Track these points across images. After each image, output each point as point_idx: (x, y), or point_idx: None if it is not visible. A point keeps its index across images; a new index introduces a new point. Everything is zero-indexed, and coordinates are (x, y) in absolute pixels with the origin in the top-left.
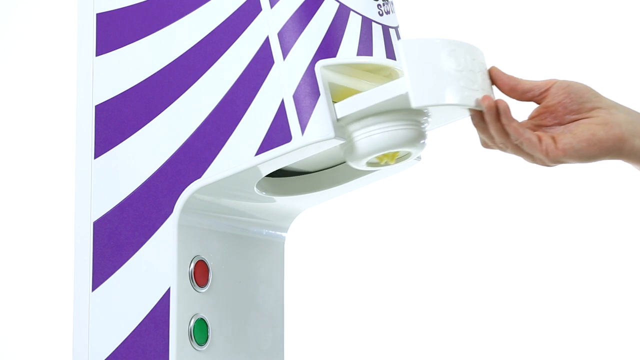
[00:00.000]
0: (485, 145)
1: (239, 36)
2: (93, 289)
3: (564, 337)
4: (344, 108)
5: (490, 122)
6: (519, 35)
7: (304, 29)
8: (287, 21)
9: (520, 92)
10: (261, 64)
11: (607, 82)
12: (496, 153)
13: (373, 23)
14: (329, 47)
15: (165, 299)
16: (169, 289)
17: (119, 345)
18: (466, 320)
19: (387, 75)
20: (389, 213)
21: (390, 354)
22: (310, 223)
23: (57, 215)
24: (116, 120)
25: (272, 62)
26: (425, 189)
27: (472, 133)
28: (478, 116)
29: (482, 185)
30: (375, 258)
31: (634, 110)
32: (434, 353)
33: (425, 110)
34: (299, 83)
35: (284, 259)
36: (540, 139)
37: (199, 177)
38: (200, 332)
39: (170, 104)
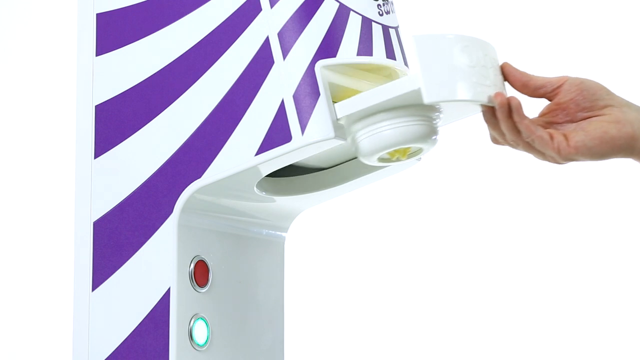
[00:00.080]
0: (495, 141)
1: (239, 36)
2: (93, 289)
3: (564, 337)
4: (344, 108)
5: (502, 119)
6: (518, 36)
7: (304, 29)
8: (287, 21)
9: (532, 88)
10: (261, 64)
11: (617, 80)
12: (496, 153)
13: (373, 23)
14: (329, 47)
15: (165, 299)
16: (169, 289)
17: (119, 345)
18: (466, 320)
19: (387, 75)
20: (389, 213)
21: (390, 354)
22: (310, 223)
23: (57, 215)
24: (116, 120)
25: (272, 62)
26: (425, 189)
27: (471, 133)
28: (490, 112)
29: (482, 185)
30: (375, 258)
31: None
32: (434, 353)
33: (437, 106)
34: (299, 83)
35: (284, 259)
36: (552, 137)
37: (199, 177)
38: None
39: (170, 104)
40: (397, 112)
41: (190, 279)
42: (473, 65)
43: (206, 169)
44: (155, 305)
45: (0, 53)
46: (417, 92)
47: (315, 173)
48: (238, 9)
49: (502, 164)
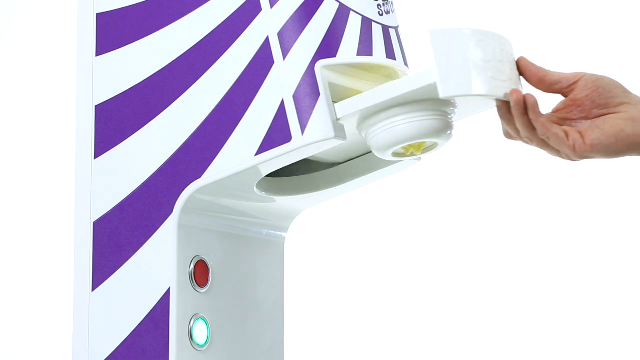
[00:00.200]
0: (508, 136)
1: (239, 36)
2: (93, 289)
3: (564, 336)
4: (344, 108)
5: (517, 116)
6: (519, 36)
7: (304, 29)
8: (287, 21)
9: (548, 83)
10: (261, 64)
11: (632, 78)
12: (496, 153)
13: (373, 23)
14: (329, 47)
15: (165, 299)
16: (169, 289)
17: (119, 345)
18: (466, 320)
19: (387, 75)
20: (389, 213)
21: (390, 354)
22: (310, 223)
23: (57, 215)
24: (116, 120)
25: (272, 62)
26: (425, 189)
27: (471, 133)
28: (505, 107)
29: (482, 185)
30: (375, 258)
31: None
32: (434, 353)
33: (452, 101)
34: (299, 83)
35: (284, 259)
36: (567, 134)
37: (199, 177)
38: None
39: (170, 104)
40: (413, 106)
41: (190, 279)
42: (489, 59)
43: (206, 169)
44: (155, 305)
45: (1, 53)
46: (432, 87)
47: (315, 173)
48: (238, 9)
49: (502, 163)
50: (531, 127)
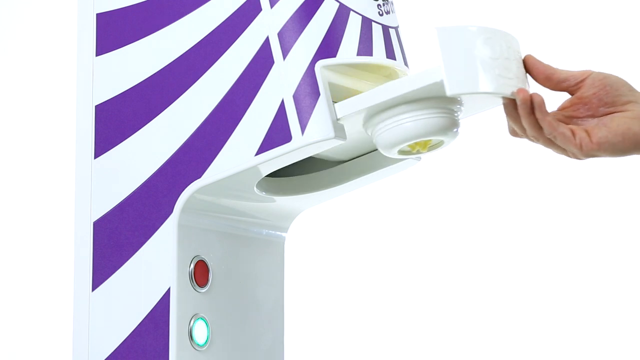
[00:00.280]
0: (514, 134)
1: (239, 36)
2: (93, 289)
3: (564, 336)
4: (344, 108)
5: (523, 115)
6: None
7: (304, 29)
8: (287, 21)
9: (555, 81)
10: (261, 64)
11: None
12: (495, 153)
13: (373, 23)
14: (329, 47)
15: (165, 299)
16: (169, 289)
17: (119, 345)
18: (466, 319)
19: (387, 75)
20: (389, 213)
21: (390, 354)
22: (310, 223)
23: (57, 215)
24: (116, 120)
25: (272, 62)
26: (425, 189)
27: (471, 133)
28: (511, 105)
29: (482, 185)
30: (375, 258)
31: None
32: (433, 353)
33: (458, 99)
34: (299, 83)
35: (284, 259)
36: (573, 133)
37: (199, 177)
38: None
39: (170, 104)
40: (419, 104)
41: (190, 279)
42: (496, 57)
43: (206, 169)
44: (155, 305)
45: (1, 53)
46: (437, 85)
47: (315, 173)
48: (238, 9)
49: (502, 163)
50: (537, 126)
